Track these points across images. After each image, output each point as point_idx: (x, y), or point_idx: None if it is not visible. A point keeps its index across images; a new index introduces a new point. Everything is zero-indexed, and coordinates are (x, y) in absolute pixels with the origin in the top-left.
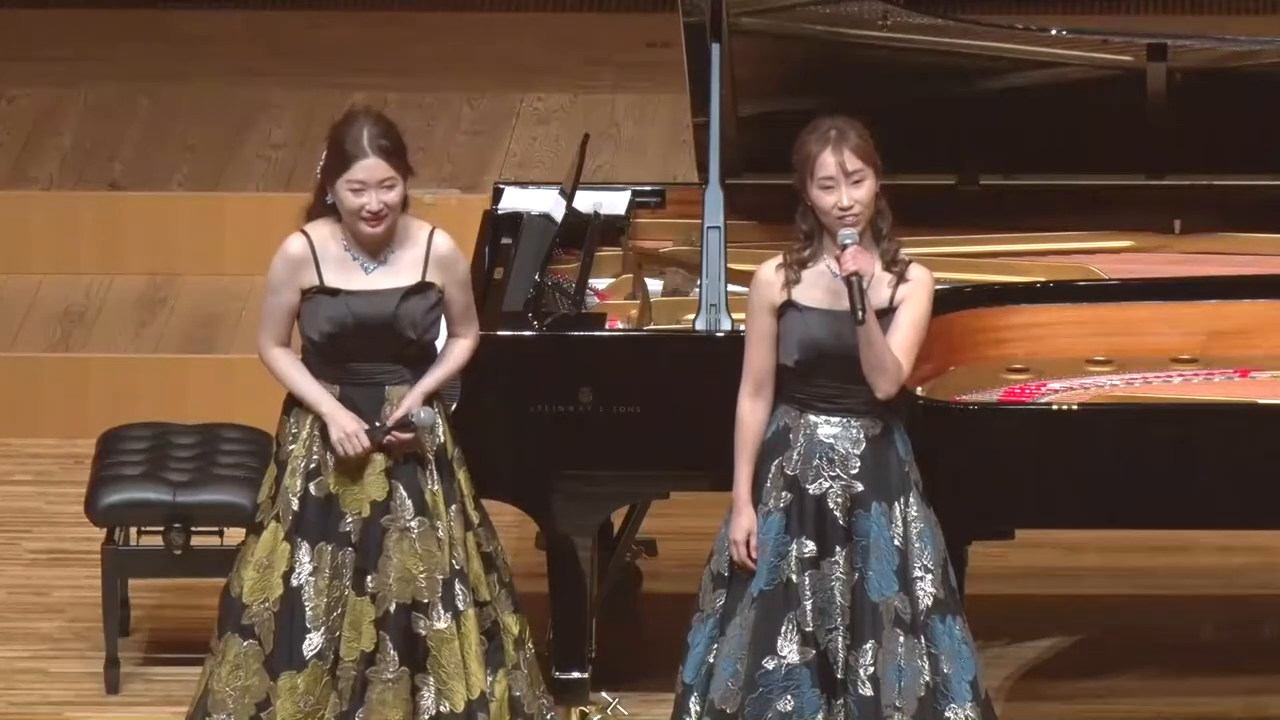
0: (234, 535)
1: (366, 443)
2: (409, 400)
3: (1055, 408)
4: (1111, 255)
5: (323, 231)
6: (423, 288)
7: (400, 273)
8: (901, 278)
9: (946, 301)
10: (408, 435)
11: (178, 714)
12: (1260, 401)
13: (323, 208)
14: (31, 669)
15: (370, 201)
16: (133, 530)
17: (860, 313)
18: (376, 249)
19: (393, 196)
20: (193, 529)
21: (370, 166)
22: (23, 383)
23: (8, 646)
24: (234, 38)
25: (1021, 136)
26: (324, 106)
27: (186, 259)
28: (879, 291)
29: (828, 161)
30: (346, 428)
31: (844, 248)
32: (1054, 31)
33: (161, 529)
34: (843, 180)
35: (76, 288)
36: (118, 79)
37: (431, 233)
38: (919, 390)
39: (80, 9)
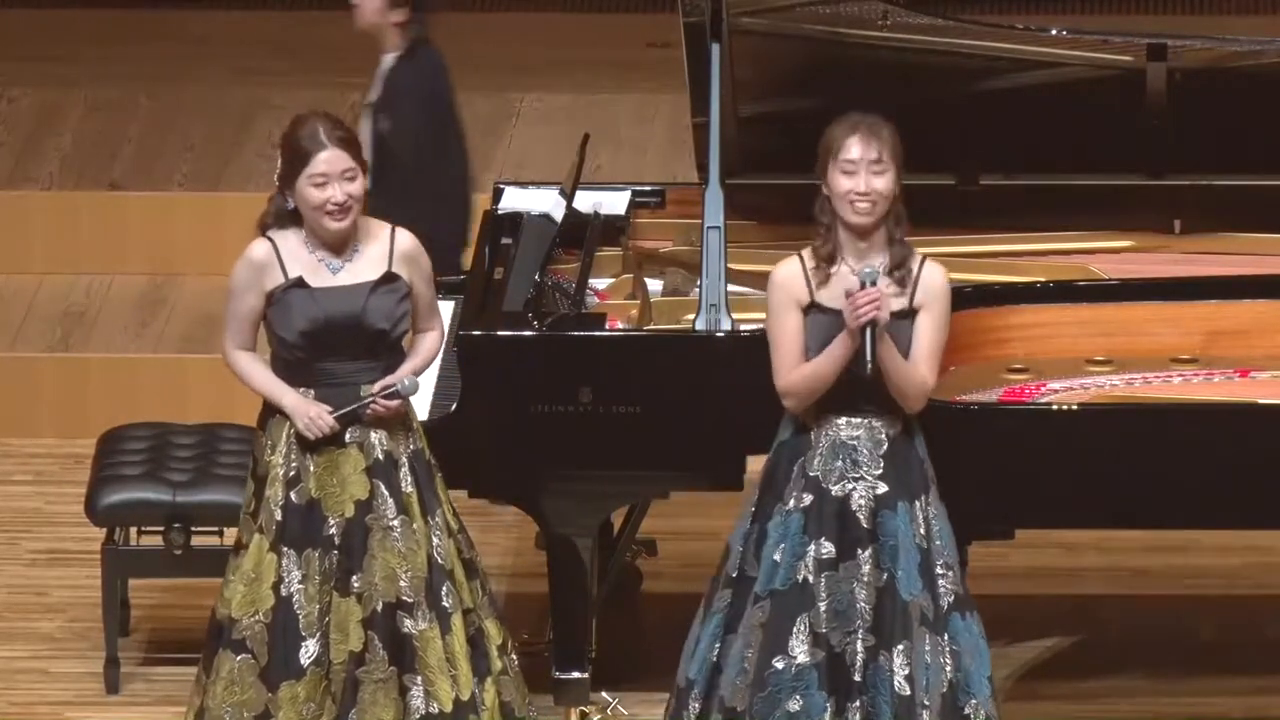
0: (234, 535)
1: (332, 421)
2: (392, 376)
3: (1055, 408)
4: (1111, 255)
5: (286, 236)
6: (390, 279)
7: (366, 269)
8: (916, 279)
9: None
10: (395, 403)
11: (177, 714)
12: (1260, 401)
13: (280, 216)
14: (31, 669)
15: (335, 193)
16: (133, 530)
17: (869, 364)
18: (340, 247)
19: (355, 188)
20: (193, 529)
21: (331, 158)
22: (22, 383)
23: (8, 646)
24: (234, 38)
25: (1021, 136)
26: (324, 106)
27: (186, 259)
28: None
29: (853, 145)
30: (309, 413)
31: (863, 284)
32: (1054, 31)
33: (161, 529)
34: (865, 167)
35: (76, 288)
36: (118, 79)
37: (393, 230)
38: None
39: (80, 9)
